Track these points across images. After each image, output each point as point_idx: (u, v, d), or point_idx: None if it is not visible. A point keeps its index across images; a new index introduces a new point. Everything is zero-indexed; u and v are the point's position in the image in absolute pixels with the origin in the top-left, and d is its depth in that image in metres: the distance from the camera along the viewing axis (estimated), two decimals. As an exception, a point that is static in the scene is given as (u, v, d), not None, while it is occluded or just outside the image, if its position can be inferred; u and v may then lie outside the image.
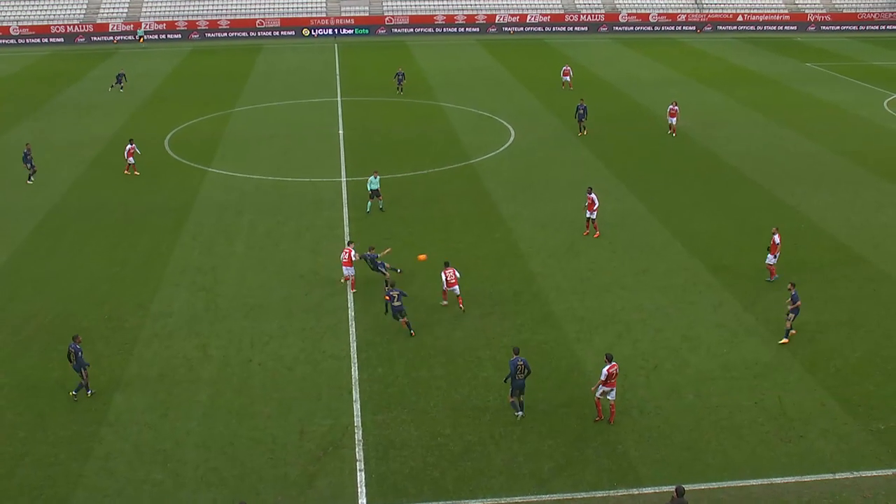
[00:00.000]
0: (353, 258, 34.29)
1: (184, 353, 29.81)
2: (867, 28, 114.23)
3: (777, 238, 35.60)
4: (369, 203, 43.37)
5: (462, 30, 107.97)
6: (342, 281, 35.04)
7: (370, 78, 78.92)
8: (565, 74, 74.72)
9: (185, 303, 33.60)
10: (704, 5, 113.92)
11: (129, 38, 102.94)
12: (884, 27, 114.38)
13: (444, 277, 32.94)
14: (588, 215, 40.35)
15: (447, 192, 46.37)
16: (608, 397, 25.95)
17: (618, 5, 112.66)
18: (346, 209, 43.76)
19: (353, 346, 30.29)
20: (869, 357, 29.89)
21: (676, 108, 58.81)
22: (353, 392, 27.44)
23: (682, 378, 28.41)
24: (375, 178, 43.48)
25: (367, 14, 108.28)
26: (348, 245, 35.18)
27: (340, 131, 59.17)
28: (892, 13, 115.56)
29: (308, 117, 63.57)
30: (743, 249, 39.15)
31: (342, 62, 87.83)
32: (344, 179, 48.48)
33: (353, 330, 31.42)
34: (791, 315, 30.66)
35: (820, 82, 79.08)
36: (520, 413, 26.08)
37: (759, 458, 24.40)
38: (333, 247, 38.47)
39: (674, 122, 58.42)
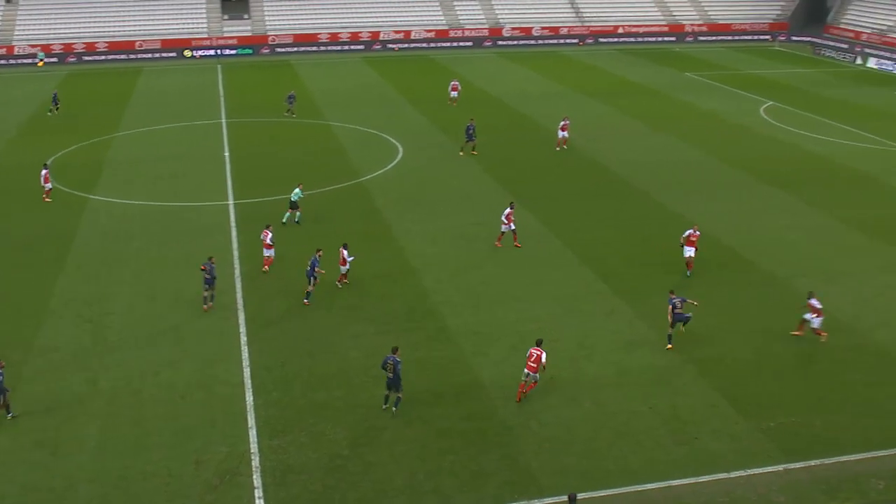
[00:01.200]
0: (271, 242, 37.82)
1: (72, 388, 28.88)
2: (740, 38, 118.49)
3: (697, 232, 38.30)
4: (287, 214, 44.05)
5: (347, 47, 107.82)
6: (264, 269, 38.01)
7: (255, 98, 78.10)
8: (453, 90, 75.24)
9: (72, 336, 32.57)
10: (586, 18, 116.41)
11: (27, 61, 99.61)
12: (755, 37, 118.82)
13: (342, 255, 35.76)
14: (505, 228, 40.94)
15: (338, 210, 46.19)
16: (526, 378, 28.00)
17: (501, 20, 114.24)
18: (234, 232, 43.15)
19: (247, 370, 29.85)
20: (757, 357, 30.93)
21: (568, 122, 59.79)
22: (249, 418, 27.04)
23: (579, 386, 28.86)
24: (299, 189, 44.39)
25: (249, 34, 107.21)
26: (267, 228, 38.22)
27: (226, 153, 58.35)
28: (763, 24, 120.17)
29: (193, 140, 62.51)
30: (633, 257, 40.06)
31: (226, 83, 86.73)
32: (231, 202, 47.82)
33: (246, 354, 30.97)
34: (672, 320, 31.55)
35: (699, 91, 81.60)
36: (385, 406, 27.43)
37: (656, 461, 24.95)
38: (222, 272, 37.89)
39: (565, 136, 59.08)
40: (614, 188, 50.57)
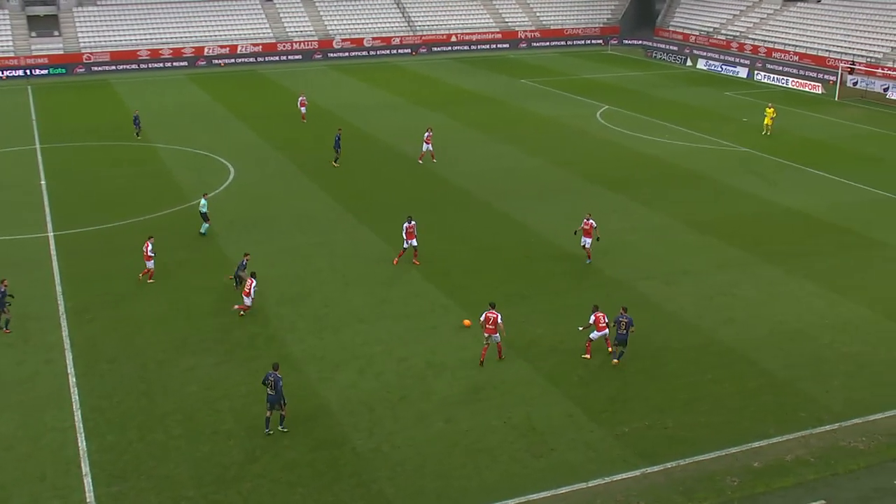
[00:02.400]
0: (151, 253, 39.20)
1: None
2: (574, 43, 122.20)
3: (590, 221, 40.95)
4: (205, 225, 45.24)
5: (169, 64, 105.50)
6: (142, 275, 39.45)
7: (72, 121, 75.37)
8: (302, 105, 74.69)
9: None
10: (418, 28, 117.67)
11: None
12: (588, 41, 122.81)
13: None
14: (407, 244, 40.85)
15: (166, 237, 45.05)
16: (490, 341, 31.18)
17: (331, 31, 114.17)
18: (56, 266, 41.52)
19: (78, 414, 28.73)
20: (607, 362, 31.85)
21: (431, 133, 60.02)
22: (83, 465, 26.01)
23: (429, 405, 29.05)
24: (205, 200, 45.53)
25: (61, 52, 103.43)
26: (148, 239, 39.40)
27: (42, 182, 56.10)
28: (594, 28, 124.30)
29: (3, 168, 59.83)
30: (477, 269, 40.67)
31: (38, 105, 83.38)
32: (51, 234, 46.00)
33: (75, 397, 29.80)
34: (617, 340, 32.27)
35: (535, 97, 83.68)
36: (268, 430, 27.42)
37: (513, 476, 25.34)
38: (44, 308, 36.42)
39: (430, 149, 59.18)
40: (454, 200, 51.23)
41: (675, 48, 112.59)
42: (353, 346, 33.20)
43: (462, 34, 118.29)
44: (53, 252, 43.40)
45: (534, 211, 48.73)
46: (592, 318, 32.06)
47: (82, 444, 27.10)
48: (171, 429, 27.87)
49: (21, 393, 30.13)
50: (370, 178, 56.10)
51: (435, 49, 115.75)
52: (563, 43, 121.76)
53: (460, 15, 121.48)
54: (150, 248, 39.22)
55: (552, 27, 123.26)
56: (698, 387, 30.27)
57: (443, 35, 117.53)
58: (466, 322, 33.99)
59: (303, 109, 74.42)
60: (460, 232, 45.82)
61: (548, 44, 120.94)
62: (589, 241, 40.83)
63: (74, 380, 30.99)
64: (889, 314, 36.07)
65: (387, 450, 26.65)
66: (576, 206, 49.32)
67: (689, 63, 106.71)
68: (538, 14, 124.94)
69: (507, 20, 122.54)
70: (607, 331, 32.00)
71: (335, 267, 40.94)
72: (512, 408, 28.89)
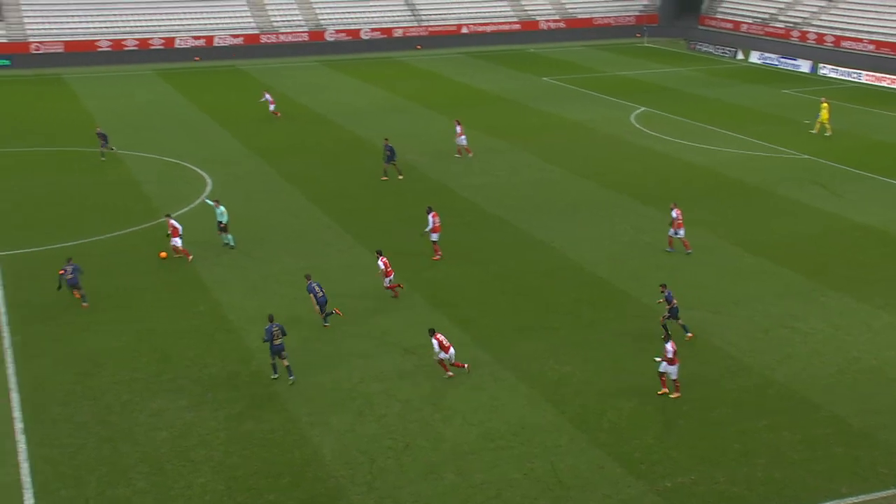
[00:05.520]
0: (178, 230, 44.50)
1: None
2: (604, 35, 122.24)
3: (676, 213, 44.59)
4: (229, 237, 46.79)
5: (135, 57, 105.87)
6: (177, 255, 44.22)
7: (18, 123, 75.56)
8: (271, 103, 76.20)
9: None
10: (423, 17, 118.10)
11: None
12: (621, 33, 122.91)
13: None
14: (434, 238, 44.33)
15: (133, 260, 45.15)
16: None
17: (323, 22, 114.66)
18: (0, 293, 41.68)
19: (25, 466, 28.68)
20: (643, 406, 31.72)
21: (460, 126, 63.16)
22: (31, 526, 26.04)
23: (438, 455, 28.96)
24: (222, 207, 46.85)
25: (5, 40, 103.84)
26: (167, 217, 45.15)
27: (-20, 194, 56.34)
28: (628, 17, 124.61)
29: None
30: (491, 297, 40.66)
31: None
32: (-4, 255, 46.20)
33: (23, 447, 29.76)
34: (668, 315, 35.84)
35: (559, 98, 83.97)
36: (291, 378, 33.24)
37: (536, 538, 25.25)
38: (-11, 341, 36.59)
39: (463, 143, 62.96)
40: (464, 216, 51.25)
41: (724, 39, 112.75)
42: (351, 385, 33.16)
43: (474, 24, 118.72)
44: (-2, 276, 43.60)
45: (558, 229, 48.73)
46: (670, 347, 31.83)
47: (30, 502, 27.02)
48: (137, 482, 27.79)
49: (-41, 441, 30.16)
50: (367, 190, 56.20)
51: (443, 42, 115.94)
52: (591, 35, 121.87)
53: (472, 2, 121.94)
54: (173, 222, 44.51)
55: (579, 16, 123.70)
56: (753, 435, 30.08)
57: (452, 26, 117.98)
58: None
59: (271, 107, 76.46)
60: (471, 253, 45.80)
61: (574, 36, 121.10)
62: (682, 231, 44.70)
63: (21, 425, 30.96)
64: (979, 350, 35.91)
65: (389, 507, 26.61)
66: (607, 223, 49.35)
67: (739, 56, 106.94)
68: (562, 1, 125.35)
69: (526, 8, 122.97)
70: (678, 365, 31.98)
71: (328, 293, 40.89)
72: (533, 458, 28.77)
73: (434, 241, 44.78)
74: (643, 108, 78.87)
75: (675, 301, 35.91)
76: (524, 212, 51.70)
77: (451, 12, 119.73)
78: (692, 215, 50.26)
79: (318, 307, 37.55)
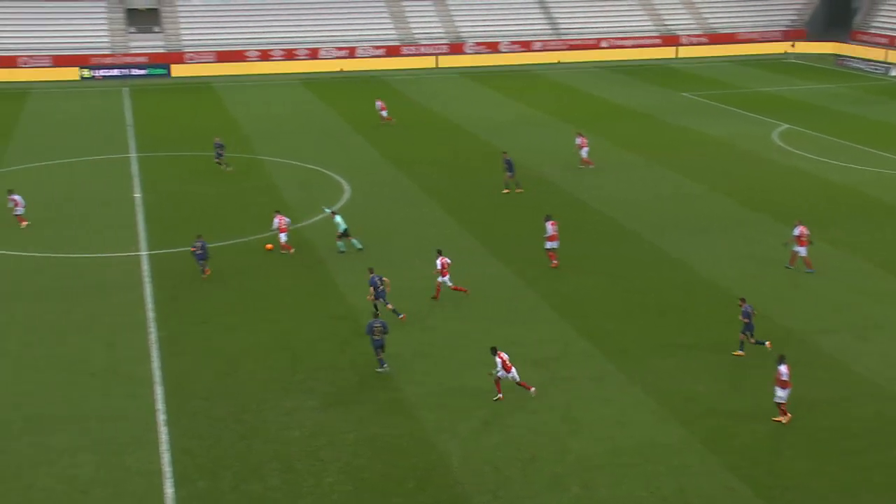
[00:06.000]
0: (286, 225, 47.30)
1: (-57, 484, 28.46)
2: (748, 50, 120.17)
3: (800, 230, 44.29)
4: (353, 241, 47.92)
5: (281, 67, 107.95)
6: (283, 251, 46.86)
7: (172, 128, 78.03)
8: (382, 109, 77.93)
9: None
10: (563, 31, 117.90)
11: None
12: (766, 48, 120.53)
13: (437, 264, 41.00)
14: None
15: (273, 261, 46.16)
16: None
17: (462, 34, 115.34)
18: (148, 288, 42.98)
19: (166, 456, 29.59)
20: (776, 429, 31.12)
21: (582, 139, 64.41)
22: (169, 515, 26.83)
23: (564, 468, 28.91)
24: (339, 217, 47.89)
25: (162, 50, 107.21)
26: (277, 214, 47.58)
27: (137, 194, 58.23)
28: (774, 31, 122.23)
29: (95, 178, 62.31)
30: (623, 311, 40.40)
31: (135, 109, 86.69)
32: (145, 253, 47.66)
33: (164, 437, 30.71)
34: (744, 330, 35.72)
35: (699, 114, 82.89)
36: (384, 367, 34.81)
37: (660, 556, 25.01)
38: (133, 337, 37.71)
39: (584, 155, 63.85)
40: (600, 230, 51.06)
41: (877, 54, 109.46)
42: (478, 393, 33.31)
43: (614, 38, 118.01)
44: (146, 274, 44.93)
45: (694, 247, 48.14)
46: (784, 370, 31.05)
47: (170, 490, 27.87)
48: (269, 479, 28.42)
49: (102, 431, 31.18)
50: (502, 202, 56.36)
51: (581, 56, 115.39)
52: (734, 50, 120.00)
53: (613, 17, 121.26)
54: (284, 221, 47.13)
55: (722, 31, 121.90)
56: (894, 468, 29.16)
57: (591, 40, 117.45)
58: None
59: (383, 113, 78.07)
60: (604, 267, 45.57)
61: (716, 50, 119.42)
62: (804, 249, 44.01)
63: (164, 417, 31.95)
64: None
65: (514, 516, 26.66)
66: (745, 243, 48.54)
67: (893, 73, 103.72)
68: (705, 15, 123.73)
69: (667, 22, 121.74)
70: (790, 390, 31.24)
71: (458, 303, 41.19)
72: (661, 477, 28.50)
73: (548, 249, 45.36)
74: (786, 126, 77.35)
75: (752, 316, 35.84)
76: (659, 227, 51.22)
77: (590, 26, 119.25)
78: (832, 235, 49.27)
79: (372, 297, 39.25)
